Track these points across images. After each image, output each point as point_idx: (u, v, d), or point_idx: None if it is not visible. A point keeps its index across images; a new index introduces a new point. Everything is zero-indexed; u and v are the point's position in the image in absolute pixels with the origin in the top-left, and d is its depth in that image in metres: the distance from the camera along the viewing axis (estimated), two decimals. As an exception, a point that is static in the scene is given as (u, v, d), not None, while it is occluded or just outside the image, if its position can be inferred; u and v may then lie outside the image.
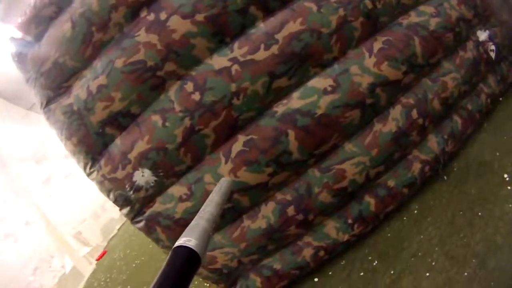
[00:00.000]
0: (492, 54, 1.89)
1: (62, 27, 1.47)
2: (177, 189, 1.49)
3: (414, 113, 1.53)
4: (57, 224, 5.03)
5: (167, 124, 1.41)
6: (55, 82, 1.54)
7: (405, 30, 1.57)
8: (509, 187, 1.45)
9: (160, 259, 3.07)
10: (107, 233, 6.67)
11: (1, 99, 5.05)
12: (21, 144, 5.32)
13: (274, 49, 1.39)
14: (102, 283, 3.97)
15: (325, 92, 1.41)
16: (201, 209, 0.55)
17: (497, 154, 1.66)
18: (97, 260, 5.51)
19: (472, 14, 1.82)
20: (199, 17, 1.33)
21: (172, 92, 1.41)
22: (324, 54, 1.44)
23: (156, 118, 1.43)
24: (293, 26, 1.41)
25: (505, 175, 1.52)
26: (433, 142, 1.61)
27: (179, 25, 1.34)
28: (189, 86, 1.39)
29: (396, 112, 1.51)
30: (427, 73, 1.61)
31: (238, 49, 1.39)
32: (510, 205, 1.37)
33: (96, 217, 6.66)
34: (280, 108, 1.40)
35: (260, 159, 1.39)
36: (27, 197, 4.72)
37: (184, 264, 0.40)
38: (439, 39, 1.64)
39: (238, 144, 1.41)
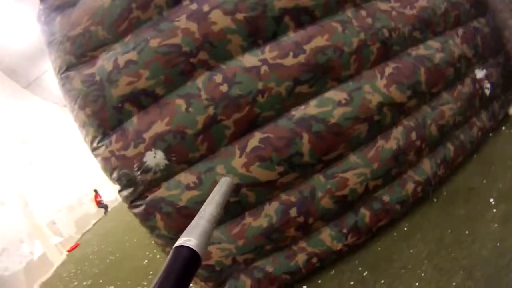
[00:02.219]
0: (487, 92, 2.12)
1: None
2: (186, 177, 1.51)
3: (413, 135, 1.68)
4: (33, 208, 4.74)
5: (190, 109, 1.45)
6: (81, 49, 1.54)
7: (413, 60, 1.75)
8: (494, 210, 1.60)
9: (137, 258, 2.97)
10: (81, 227, 6.38)
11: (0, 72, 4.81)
12: (9, 122, 5.06)
13: (301, 58, 1.50)
14: (72, 274, 3.77)
15: (339, 104, 1.53)
16: (201, 209, 0.55)
17: (484, 181, 1.82)
18: (69, 251, 5.26)
19: (472, 53, 2.04)
20: (239, 16, 1.43)
21: (200, 80, 1.47)
22: (343, 70, 1.57)
23: (180, 102, 1.47)
24: (320, 41, 1.54)
25: (491, 199, 1.67)
26: (427, 165, 1.77)
27: (219, 19, 1.42)
28: (218, 78, 1.46)
29: (398, 131, 1.66)
30: (428, 101, 1.79)
31: (269, 52, 1.50)
32: (496, 225, 1.51)
33: (72, 209, 6.36)
34: (298, 112, 1.50)
35: (273, 157, 1.46)
36: (7, 177, 4.44)
37: (185, 263, 0.41)
38: (442, 71, 1.83)
39: (254, 140, 1.47)
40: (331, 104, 1.52)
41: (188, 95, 1.47)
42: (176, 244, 0.44)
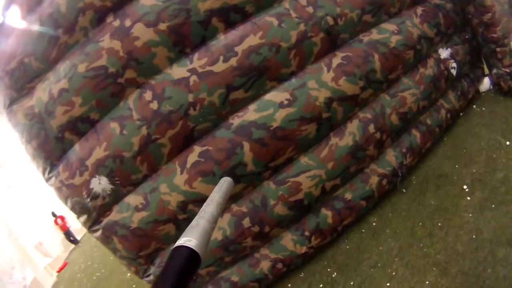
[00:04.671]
0: (453, 71, 1.95)
1: (30, 26, 1.46)
2: (134, 198, 1.48)
3: (371, 128, 1.56)
4: (18, 234, 4.91)
5: (124, 132, 1.41)
6: (19, 83, 1.53)
7: (365, 47, 1.61)
8: (468, 198, 1.49)
9: (122, 272, 3.02)
10: (68, 244, 6.50)
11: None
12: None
13: (233, 61, 1.41)
14: (63, 296, 3.92)
15: (281, 105, 1.43)
16: (201, 209, 0.55)
17: (456, 166, 1.70)
18: (58, 272, 5.40)
19: (434, 32, 1.88)
20: (162, 26, 1.35)
21: (131, 100, 1.41)
22: (282, 68, 1.46)
23: (114, 126, 1.43)
24: (253, 40, 1.44)
25: (465, 186, 1.55)
26: (391, 156, 1.65)
27: (142, 33, 1.36)
28: (148, 95, 1.40)
29: (353, 126, 1.54)
30: (385, 89, 1.65)
31: (198, 60, 1.41)
32: (470, 215, 1.40)
33: (56, 228, 6.49)
34: (236, 120, 1.42)
35: (215, 170, 1.39)
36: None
37: (185, 264, 0.41)
38: (399, 56, 1.68)
39: (193, 155, 1.41)
40: (272, 107, 1.43)
41: (121, 117, 1.43)
42: (176, 244, 0.44)
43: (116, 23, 1.41)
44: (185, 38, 1.40)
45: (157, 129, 1.39)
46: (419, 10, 1.86)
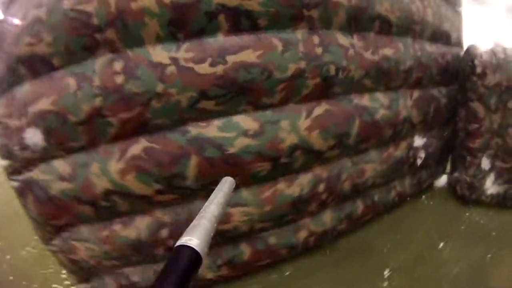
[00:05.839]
0: (419, 161, 2.03)
1: None
2: (62, 165, 1.32)
3: (321, 187, 1.56)
4: None
5: (78, 93, 1.23)
6: None
7: (352, 108, 1.59)
8: (386, 283, 1.55)
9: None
10: None
11: None
12: None
13: (219, 69, 1.28)
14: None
15: (246, 133, 1.35)
16: (202, 209, 0.55)
17: (385, 248, 1.78)
18: None
19: (420, 119, 1.94)
20: None
21: (100, 62, 1.23)
22: (265, 96, 1.37)
23: (71, 82, 1.24)
24: (250, 56, 1.32)
25: (386, 271, 1.62)
26: (328, 217, 1.68)
27: None
28: (118, 65, 1.22)
29: (305, 178, 1.52)
30: (351, 155, 1.66)
31: (184, 52, 1.26)
32: None
33: None
34: (194, 129, 1.31)
35: (152, 171, 1.29)
36: None
37: (186, 263, 0.41)
38: (379, 129, 1.70)
39: (137, 147, 1.29)
40: (235, 131, 1.34)
41: (82, 76, 1.24)
42: (177, 243, 0.43)
43: None
44: (184, 22, 1.24)
45: (112, 106, 1.23)
46: (416, 94, 1.90)
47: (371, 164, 1.72)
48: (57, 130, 1.28)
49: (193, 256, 0.42)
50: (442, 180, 2.39)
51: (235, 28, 1.32)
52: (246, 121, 1.36)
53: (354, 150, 1.64)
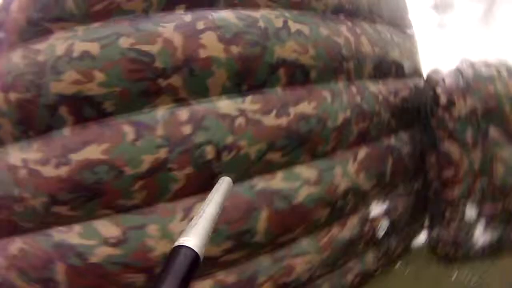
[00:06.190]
0: (380, 232, 1.62)
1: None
2: (106, 227, 1.14)
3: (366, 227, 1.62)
4: None
5: (138, 143, 1.11)
6: (38, 14, 1.12)
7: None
8: None
9: None
10: None
11: None
12: None
13: (284, 120, 1.30)
14: None
15: (307, 182, 1.37)
16: (200, 209, 0.52)
17: None
18: None
19: (372, 184, 1.53)
20: (234, 49, 1.18)
21: (162, 111, 1.15)
22: (320, 145, 1.42)
23: (129, 130, 1.12)
24: (307, 107, 1.37)
25: None
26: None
27: (211, 44, 1.16)
28: (183, 115, 1.16)
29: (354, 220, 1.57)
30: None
31: (251, 103, 1.26)
32: None
33: None
34: (261, 182, 1.28)
35: (222, 229, 1.20)
36: None
37: (184, 264, 0.39)
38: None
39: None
40: (299, 181, 1.35)
41: (142, 125, 1.14)
42: (176, 244, 0.41)
43: (187, 18, 1.18)
44: (249, 73, 1.25)
45: (178, 159, 1.14)
46: (362, 152, 1.52)
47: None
48: (108, 184, 1.13)
49: (192, 257, 0.41)
50: (421, 239, 1.91)
51: (291, 81, 1.38)
52: (306, 170, 1.38)
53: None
